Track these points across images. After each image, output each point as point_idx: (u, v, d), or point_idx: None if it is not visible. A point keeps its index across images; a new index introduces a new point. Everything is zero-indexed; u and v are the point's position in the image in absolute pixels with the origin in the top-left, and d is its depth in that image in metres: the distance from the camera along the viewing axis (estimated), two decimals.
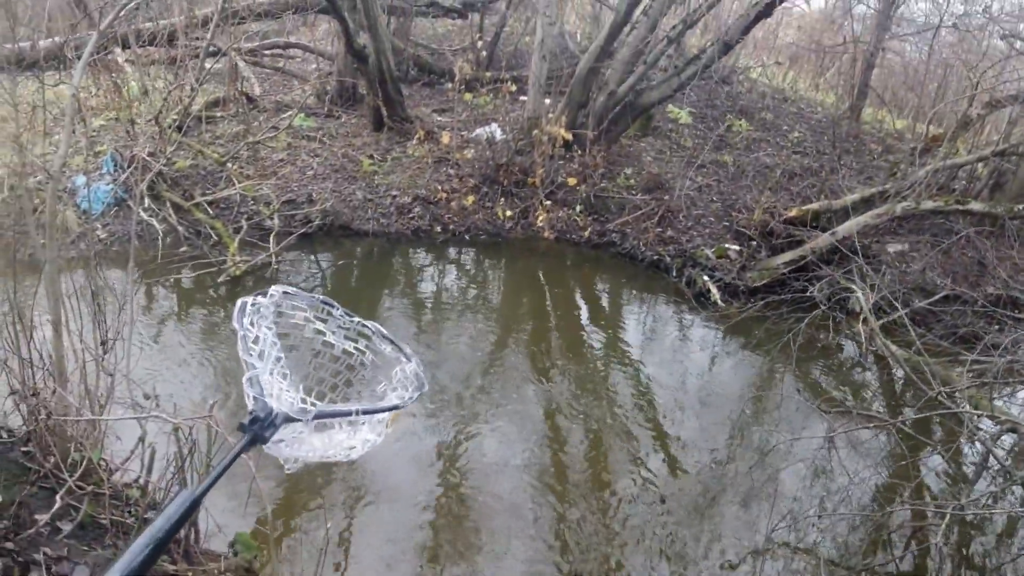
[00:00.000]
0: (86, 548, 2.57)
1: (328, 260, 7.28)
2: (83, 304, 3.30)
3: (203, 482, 1.00)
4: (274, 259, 6.59)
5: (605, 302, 7.49)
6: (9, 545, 2.30)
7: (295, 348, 1.50)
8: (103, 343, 3.26)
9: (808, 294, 6.50)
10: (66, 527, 2.60)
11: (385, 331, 1.56)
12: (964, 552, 4.21)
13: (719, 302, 7.06)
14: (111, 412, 3.22)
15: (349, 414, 1.30)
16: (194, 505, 0.94)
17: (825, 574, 3.68)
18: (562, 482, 4.39)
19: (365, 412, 1.34)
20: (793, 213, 7.71)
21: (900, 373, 5.85)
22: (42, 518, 2.50)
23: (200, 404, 4.42)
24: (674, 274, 7.74)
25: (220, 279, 6.17)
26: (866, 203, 7.68)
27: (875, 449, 5.02)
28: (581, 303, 7.30)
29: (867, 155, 10.73)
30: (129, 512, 2.92)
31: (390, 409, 1.39)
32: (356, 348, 1.56)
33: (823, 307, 6.30)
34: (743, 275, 7.37)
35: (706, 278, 7.35)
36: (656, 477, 4.55)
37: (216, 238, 6.72)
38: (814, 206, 7.79)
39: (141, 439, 3.31)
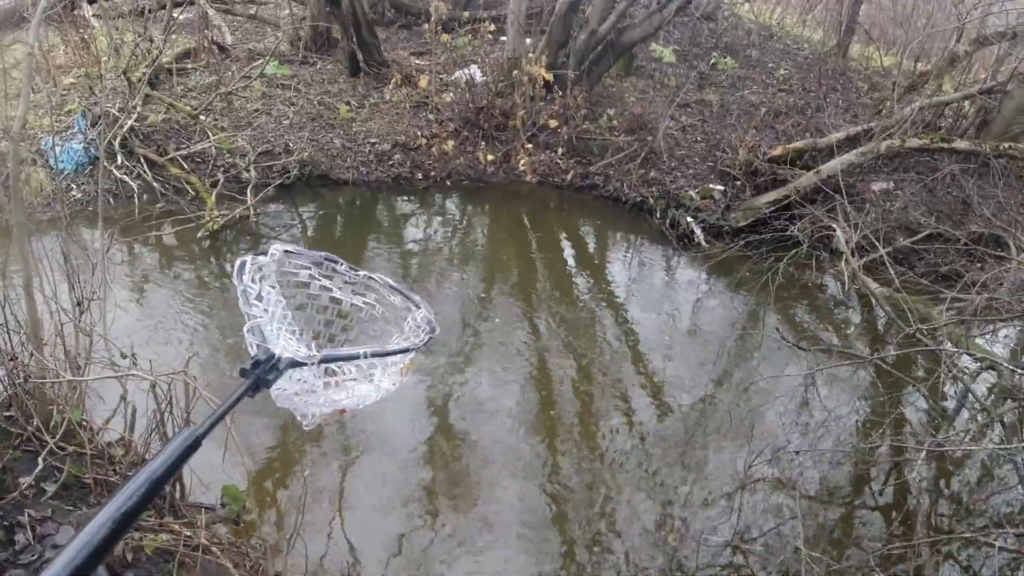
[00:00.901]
0: (71, 508, 2.59)
1: (309, 211, 7.19)
2: (57, 265, 3.25)
3: (205, 423, 0.96)
4: (252, 212, 6.49)
5: (590, 245, 7.48)
6: None
7: (302, 307, 1.45)
8: (79, 304, 3.23)
9: (790, 233, 6.49)
10: (50, 488, 2.62)
11: (392, 282, 1.49)
12: (943, 488, 4.33)
13: (703, 243, 7.06)
14: (90, 372, 3.21)
15: (358, 356, 1.24)
16: (195, 445, 0.92)
17: (802, 508, 3.78)
18: (551, 423, 4.45)
19: (375, 355, 1.26)
20: (778, 152, 7.65)
21: (883, 311, 5.91)
22: (25, 481, 2.51)
23: (179, 360, 4.42)
24: (658, 216, 7.70)
25: (199, 234, 6.09)
26: (851, 141, 7.61)
27: (854, 386, 5.11)
28: (566, 246, 7.28)
29: (853, 93, 10.59)
30: (113, 470, 2.95)
31: (401, 352, 1.32)
32: (365, 302, 1.49)
33: (805, 246, 6.31)
34: (727, 215, 7.35)
35: (690, 219, 7.33)
36: (641, 416, 4.62)
37: (193, 193, 6.60)
38: (799, 144, 7.72)
39: (122, 398, 3.33)
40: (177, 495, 3.08)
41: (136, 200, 6.39)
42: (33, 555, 2.29)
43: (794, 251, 6.25)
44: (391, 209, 7.52)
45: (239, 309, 1.21)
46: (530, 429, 4.37)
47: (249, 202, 6.48)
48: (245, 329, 1.17)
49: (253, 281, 1.27)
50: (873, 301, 5.82)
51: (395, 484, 3.85)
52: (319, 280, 1.45)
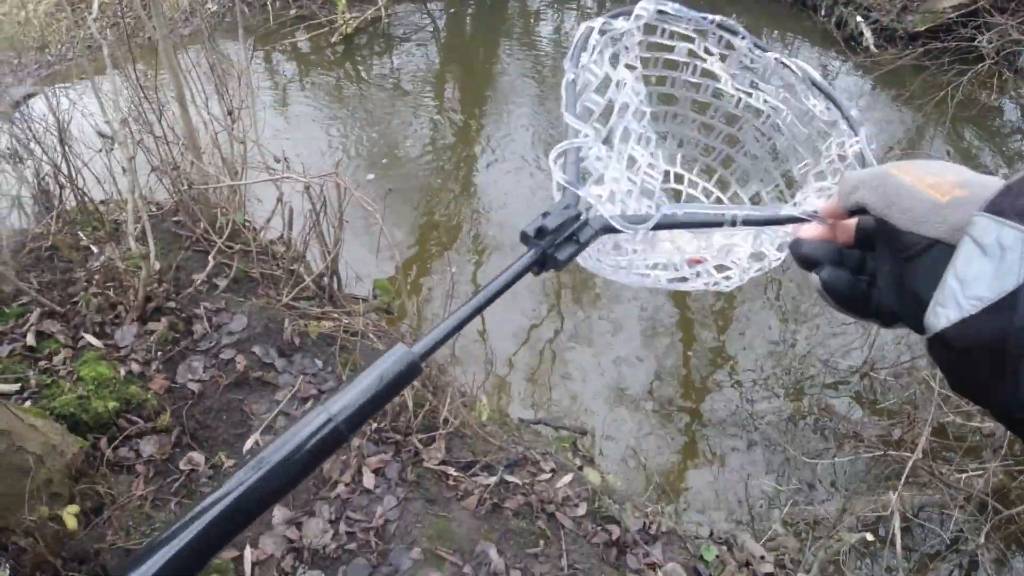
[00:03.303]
0: (241, 299, 2.91)
1: (440, 8, 6.97)
2: (205, 77, 3.38)
3: (428, 337, 0.59)
4: (384, 12, 6.39)
5: None
6: (172, 304, 2.64)
7: (663, 102, 0.92)
8: (230, 113, 3.39)
9: (975, 44, 5.59)
10: (221, 283, 2.93)
11: (818, 77, 0.89)
12: None
13: (873, 47, 6.37)
14: (246, 177, 3.43)
15: (720, 224, 0.71)
16: (414, 369, 0.58)
17: None
18: None
19: (747, 223, 0.73)
20: None
21: None
22: (199, 277, 2.82)
23: (326, 162, 4.63)
24: (823, 13, 6.95)
25: (333, 39, 6.10)
26: None
27: None
28: None
29: None
30: (276, 264, 3.23)
31: (793, 221, 0.73)
32: (767, 103, 0.90)
33: (990, 61, 5.43)
34: (903, 17, 6.48)
35: (860, 19, 6.59)
36: None
37: None
38: None
39: (279, 199, 3.56)
40: (335, 287, 3.36)
41: (270, 7, 6.40)
42: (211, 342, 2.62)
43: (978, 66, 5.41)
44: (525, 3, 7.14)
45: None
46: None
47: (380, 2, 6.35)
48: (552, 154, 0.71)
49: (598, 61, 0.78)
50: None
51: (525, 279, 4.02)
52: (704, 60, 0.88)
